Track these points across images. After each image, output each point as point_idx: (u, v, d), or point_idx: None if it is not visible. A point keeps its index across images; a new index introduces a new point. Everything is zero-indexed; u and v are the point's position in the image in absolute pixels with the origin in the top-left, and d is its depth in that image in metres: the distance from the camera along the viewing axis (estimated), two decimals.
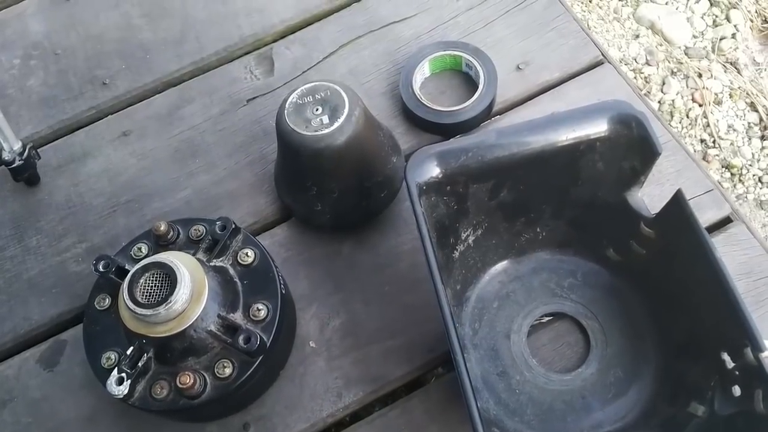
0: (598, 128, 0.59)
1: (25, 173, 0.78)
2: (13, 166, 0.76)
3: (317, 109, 0.65)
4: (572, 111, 0.60)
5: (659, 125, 0.75)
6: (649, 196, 0.63)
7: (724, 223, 0.71)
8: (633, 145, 0.59)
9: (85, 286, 0.66)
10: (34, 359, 0.71)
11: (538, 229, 0.68)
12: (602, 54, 0.82)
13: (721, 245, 0.68)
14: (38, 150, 0.81)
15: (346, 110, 0.64)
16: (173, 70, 0.88)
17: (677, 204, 0.57)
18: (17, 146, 0.76)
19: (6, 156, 0.75)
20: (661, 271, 0.63)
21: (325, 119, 0.64)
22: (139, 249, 0.65)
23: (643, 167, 0.60)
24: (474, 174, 0.60)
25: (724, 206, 0.72)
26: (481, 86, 0.78)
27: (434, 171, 0.59)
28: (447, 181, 0.59)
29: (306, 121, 0.64)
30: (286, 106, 0.65)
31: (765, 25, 1.50)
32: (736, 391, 0.52)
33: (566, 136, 0.59)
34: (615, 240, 0.67)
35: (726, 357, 0.53)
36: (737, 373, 0.52)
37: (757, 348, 0.49)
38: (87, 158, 0.83)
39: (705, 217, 0.71)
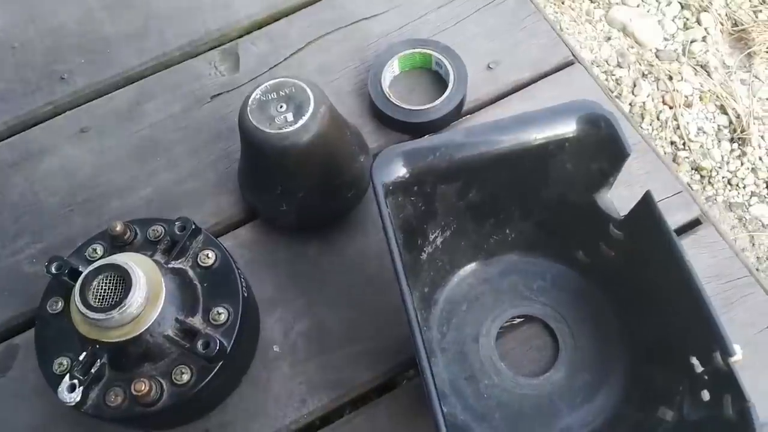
0: (567, 128, 0.58)
1: None
2: None
3: (281, 106, 0.63)
4: (541, 111, 0.59)
5: (629, 127, 0.74)
6: (619, 198, 0.63)
7: (693, 225, 0.71)
8: (602, 146, 0.58)
9: (39, 289, 0.63)
10: None
11: (507, 231, 0.67)
12: (573, 54, 0.81)
13: (690, 247, 0.68)
14: None
15: (311, 107, 0.62)
16: (134, 65, 0.85)
17: (646, 205, 0.56)
18: None
19: None
20: (630, 273, 0.62)
21: (290, 117, 0.62)
22: (94, 250, 0.62)
23: (611, 168, 0.59)
24: (442, 174, 0.59)
25: (693, 208, 0.71)
26: (451, 85, 0.77)
27: (401, 171, 0.57)
28: (414, 181, 0.58)
29: (270, 119, 0.62)
30: (249, 102, 0.63)
31: (735, 29, 1.51)
32: (705, 396, 0.52)
33: (535, 135, 0.58)
34: (584, 242, 0.66)
35: (695, 361, 0.53)
36: (706, 377, 0.52)
37: (727, 352, 0.48)
38: (43, 155, 0.79)
39: (674, 219, 0.70)
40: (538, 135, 0.58)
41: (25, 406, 0.66)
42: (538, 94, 0.78)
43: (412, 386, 0.66)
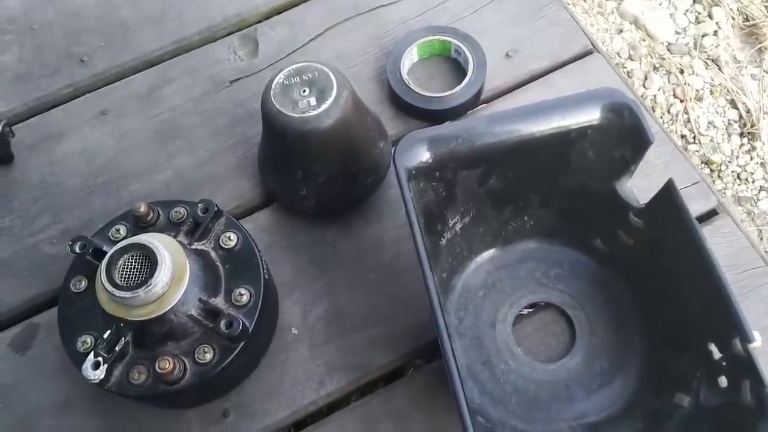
0: (590, 116, 0.58)
1: None
2: None
3: (304, 91, 0.63)
4: (564, 98, 0.59)
5: (647, 115, 0.74)
6: (636, 188, 0.63)
7: (711, 215, 0.71)
8: (625, 134, 0.58)
9: (59, 269, 0.64)
10: (5, 343, 0.69)
11: (526, 218, 0.67)
12: (591, 43, 0.81)
13: (707, 237, 0.68)
14: (12, 127, 0.78)
15: (334, 92, 0.63)
16: (154, 48, 0.85)
17: (668, 194, 0.56)
18: None
19: None
20: (648, 261, 0.63)
21: (313, 101, 0.63)
22: (118, 230, 0.63)
23: (634, 156, 0.59)
24: (464, 160, 0.59)
25: (710, 198, 0.72)
26: (470, 73, 0.77)
27: (424, 156, 0.57)
28: (436, 167, 0.58)
29: (293, 103, 0.63)
30: (273, 86, 0.63)
31: (746, 23, 1.51)
32: (723, 382, 0.52)
33: (558, 123, 0.58)
34: (603, 230, 0.66)
35: (713, 348, 0.53)
36: (724, 364, 0.52)
37: (746, 338, 0.49)
38: (63, 137, 0.80)
39: (691, 208, 0.69)
40: (561, 122, 0.58)
41: (46, 384, 0.67)
42: (557, 83, 0.79)
43: (422, 373, 0.67)
